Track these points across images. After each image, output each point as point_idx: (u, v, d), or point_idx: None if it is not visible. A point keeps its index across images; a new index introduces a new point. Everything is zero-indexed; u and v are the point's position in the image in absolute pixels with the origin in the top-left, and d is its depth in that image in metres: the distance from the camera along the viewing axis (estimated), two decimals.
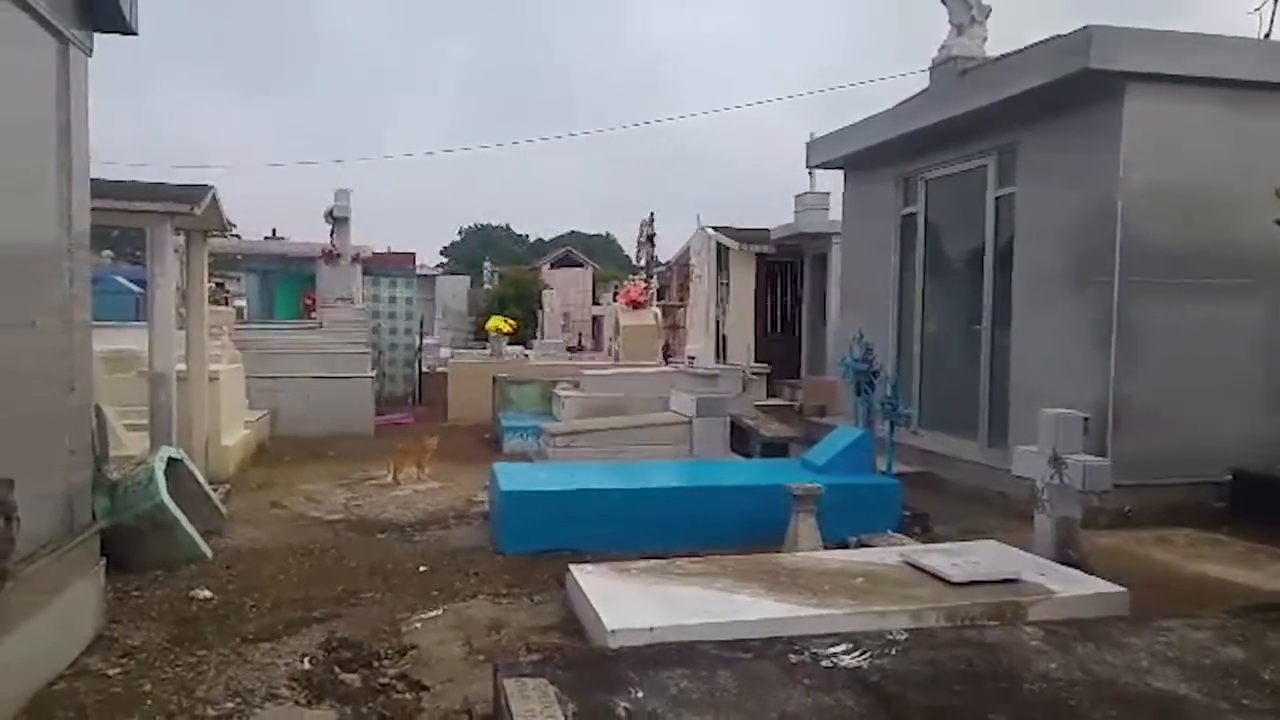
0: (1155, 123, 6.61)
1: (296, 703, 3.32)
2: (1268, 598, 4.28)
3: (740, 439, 8.86)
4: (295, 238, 16.65)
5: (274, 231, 17.87)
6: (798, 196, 15.11)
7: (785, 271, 16.11)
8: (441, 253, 54.55)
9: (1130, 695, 2.51)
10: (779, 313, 16.18)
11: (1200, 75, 6.59)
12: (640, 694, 2.62)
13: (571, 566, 4.44)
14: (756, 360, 15.06)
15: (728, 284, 16.07)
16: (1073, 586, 4.05)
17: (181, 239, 7.81)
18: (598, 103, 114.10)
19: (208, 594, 4.60)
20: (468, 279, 28.25)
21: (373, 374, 11.69)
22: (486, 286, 27.53)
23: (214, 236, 8.53)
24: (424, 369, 14.79)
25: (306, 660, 3.73)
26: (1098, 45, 6.41)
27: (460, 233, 63.60)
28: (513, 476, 6.11)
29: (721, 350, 16.07)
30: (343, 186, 13.16)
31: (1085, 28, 6.50)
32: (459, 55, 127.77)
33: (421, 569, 5.18)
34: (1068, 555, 4.69)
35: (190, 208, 6.61)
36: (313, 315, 12.96)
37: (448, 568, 5.20)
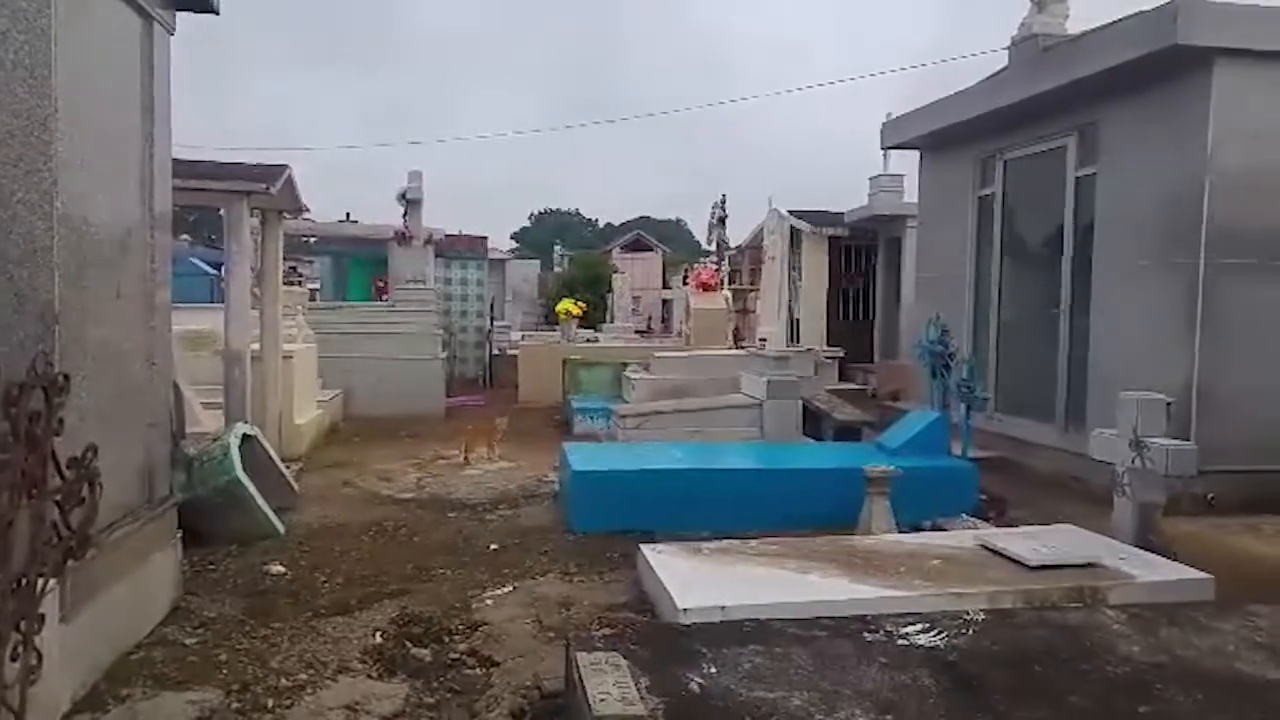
0: (1245, 99, 6.33)
1: (369, 676, 3.40)
2: None
3: (812, 422, 8.80)
4: (368, 220, 17.02)
5: (348, 215, 18.30)
6: (872, 179, 14.87)
7: (859, 255, 15.90)
8: (512, 237, 55.24)
9: (1216, 679, 2.47)
10: (852, 296, 15.99)
11: None
12: (714, 669, 2.67)
13: (642, 546, 4.49)
14: (829, 344, 14.90)
15: (799, 268, 15.93)
16: (1154, 572, 3.96)
17: (257, 220, 8.01)
18: (671, 87, 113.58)
19: (281, 569, 4.73)
20: (538, 263, 28.57)
21: (444, 355, 11.92)
22: (557, 270, 27.79)
23: (288, 218, 8.68)
24: (494, 351, 15.05)
25: (378, 635, 3.82)
26: (1185, 19, 6.16)
27: (530, 218, 64.25)
28: (583, 456, 6.20)
29: (794, 334, 15.96)
30: (415, 168, 13.40)
31: (1173, 1, 6.26)
32: (534, 40, 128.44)
33: (492, 547, 5.29)
34: (1149, 540, 4.57)
35: (266, 187, 6.80)
36: (385, 297, 13.29)
37: (518, 546, 5.29)
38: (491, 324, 15.30)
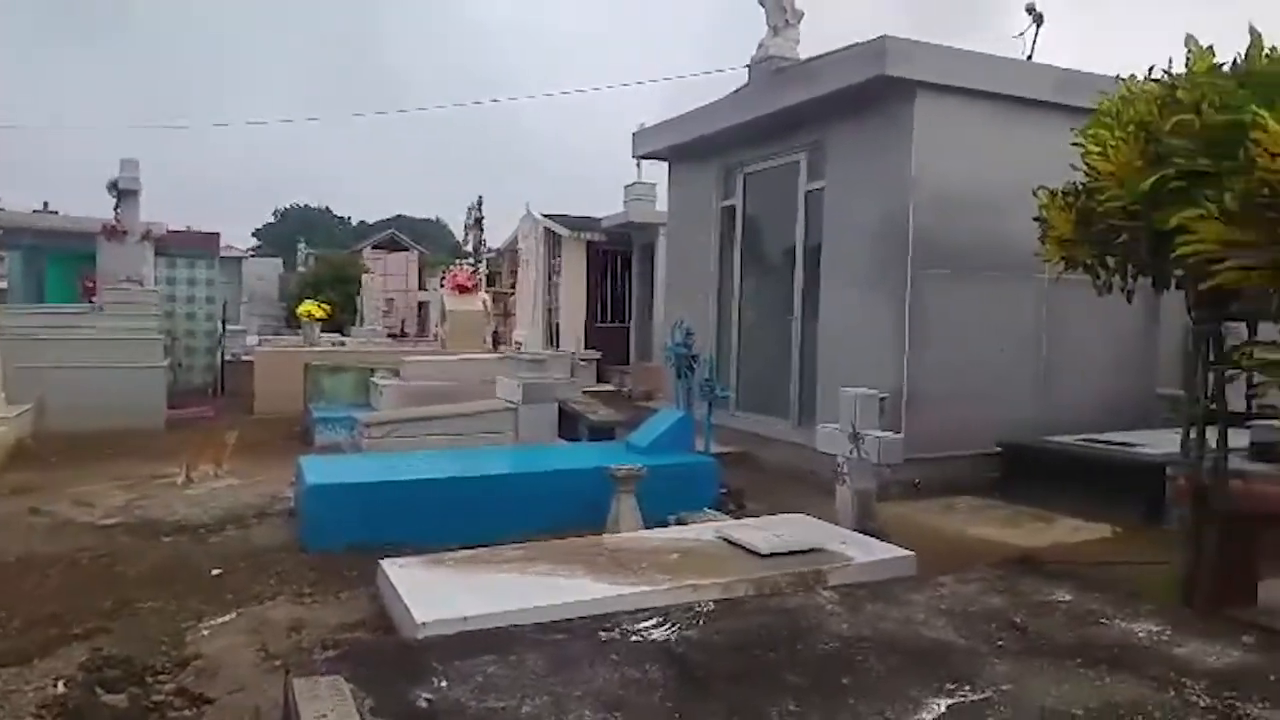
0: (942, 129, 7.15)
1: None
2: (1025, 552, 4.79)
3: (568, 424, 8.85)
4: (74, 211, 15.01)
5: (45, 205, 16.03)
6: (626, 186, 15.30)
7: (616, 260, 16.29)
8: (254, 234, 51.25)
9: (908, 646, 2.71)
10: (609, 300, 16.35)
11: (977, 88, 7.19)
12: (444, 683, 2.55)
13: (382, 561, 4.26)
14: (587, 347, 15.14)
15: (559, 271, 16.04)
16: (868, 553, 4.32)
17: None
18: (430, 86, 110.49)
19: None
20: (279, 262, 26.65)
21: (165, 363, 10.76)
22: (300, 270, 26.07)
23: None
24: (227, 358, 13.82)
25: (61, 683, 3.31)
26: (892, 54, 6.86)
27: (275, 214, 59.89)
28: (320, 469, 5.80)
29: (553, 337, 16.04)
30: (130, 156, 11.98)
31: (881, 37, 6.95)
32: (286, 30, 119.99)
33: (214, 572, 4.80)
34: (866, 525, 5.00)
35: None
36: (94, 299, 11.78)
37: (245, 569, 4.84)
38: (224, 328, 14.02)
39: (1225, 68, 3.30)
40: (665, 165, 10.93)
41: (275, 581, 4.63)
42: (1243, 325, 3.62)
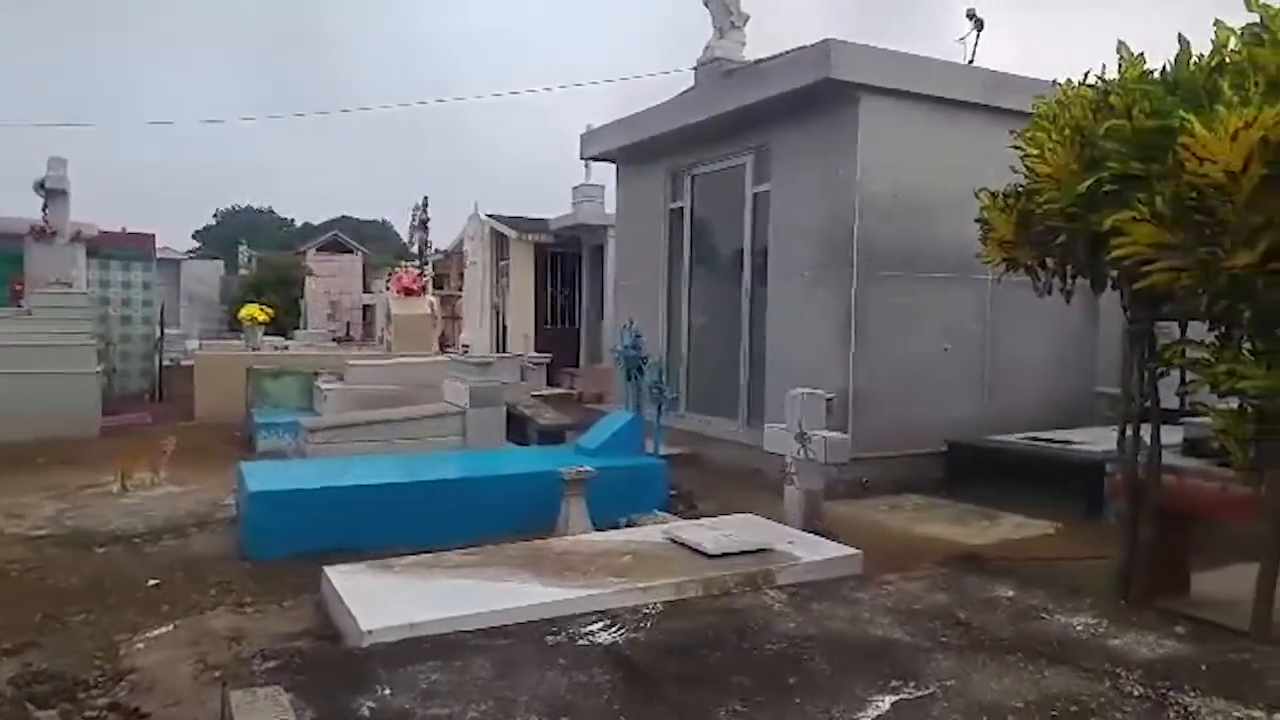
0: (886, 132, 7.26)
1: None
2: (970, 550, 4.87)
3: (517, 428, 8.78)
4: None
5: None
6: (575, 188, 15.26)
7: (565, 262, 16.23)
8: (194, 236, 50.00)
9: (854, 644, 2.73)
10: (559, 302, 16.28)
11: (920, 91, 7.32)
12: (388, 691, 2.49)
13: (326, 568, 4.17)
14: (536, 349, 15.06)
15: (507, 273, 15.93)
16: (816, 552, 4.35)
17: None
18: (377, 87, 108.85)
19: None
20: (220, 263, 26.01)
21: (98, 368, 10.41)
22: (242, 272, 25.49)
23: None
24: (166, 362, 13.43)
25: None
26: (837, 57, 6.95)
27: (216, 215, 58.50)
28: (263, 475, 5.66)
29: (501, 339, 15.92)
30: (57, 155, 11.56)
31: (826, 40, 7.03)
32: (227, 24, 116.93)
33: (150, 583, 4.65)
34: (813, 524, 5.05)
35: None
36: (21, 303, 11.35)
37: (183, 579, 4.71)
38: (162, 332, 13.63)
39: (1155, 74, 3.39)
40: (614, 167, 10.92)
41: (215, 591, 4.52)
42: (1175, 325, 3.73)
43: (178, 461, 7.47)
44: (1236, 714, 2.28)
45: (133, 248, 13.72)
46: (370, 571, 4.13)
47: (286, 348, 13.68)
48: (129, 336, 13.24)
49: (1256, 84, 2.83)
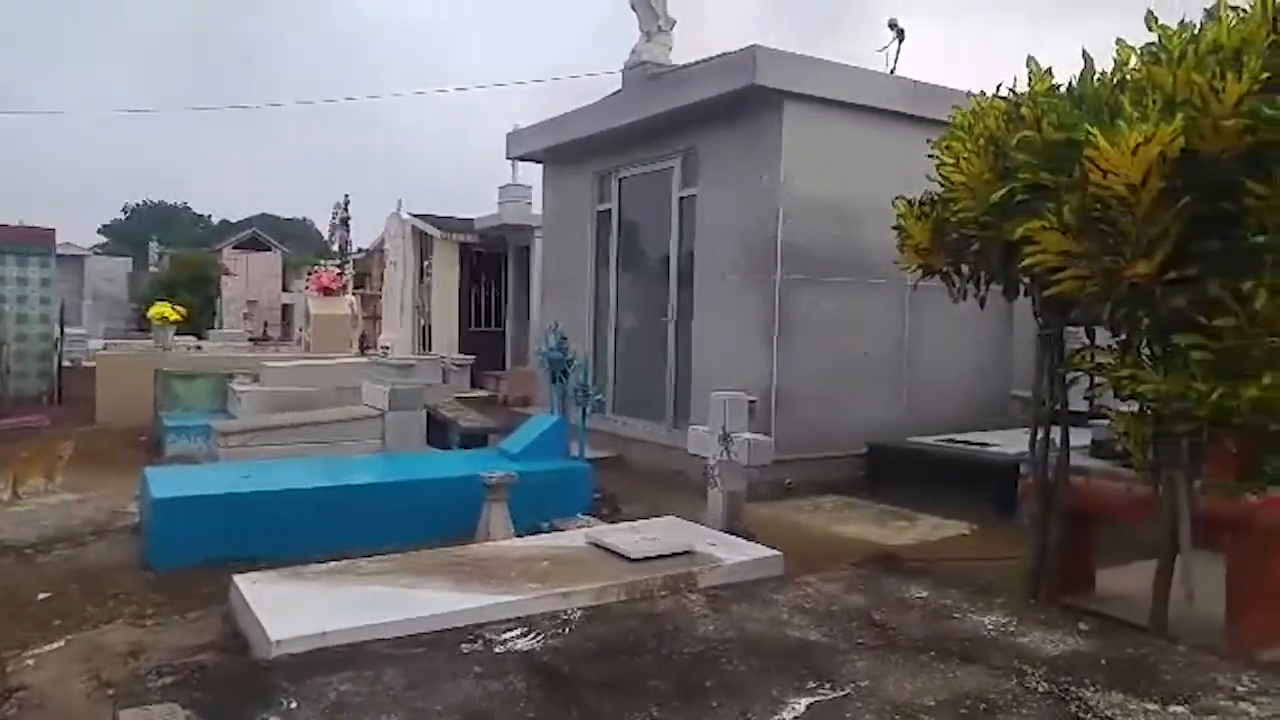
0: (808, 137, 7.37)
1: None
2: (887, 550, 4.96)
3: (439, 431, 8.62)
4: None
5: None
6: (501, 188, 15.08)
7: (490, 262, 16.03)
8: (102, 231, 47.88)
9: (772, 646, 2.74)
10: (485, 303, 16.07)
11: (844, 100, 7.46)
12: (294, 704, 2.40)
13: (235, 576, 4.01)
14: (461, 351, 14.84)
15: (430, 273, 15.66)
16: (737, 554, 4.37)
17: None
18: (301, 82, 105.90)
19: None
20: (129, 261, 24.92)
21: None
22: (153, 269, 24.48)
23: None
24: (66, 363, 12.79)
25: None
26: (762, 63, 7.02)
27: (125, 210, 56.09)
28: (168, 481, 5.42)
29: (424, 341, 15.63)
30: None
31: (752, 46, 7.10)
32: (137, 14, 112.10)
33: (41, 596, 4.40)
34: (735, 526, 5.07)
35: None
36: None
37: (79, 592, 4.47)
38: (62, 331, 12.97)
39: (1063, 89, 3.51)
40: (541, 167, 10.83)
41: (113, 604, 4.31)
42: (1083, 330, 3.86)
43: (77, 467, 7.12)
44: (1132, 706, 2.36)
45: (30, 243, 13.01)
46: (281, 580, 3.99)
47: (199, 348, 13.19)
48: (25, 336, 12.55)
49: (1154, 101, 2.94)
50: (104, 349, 13.06)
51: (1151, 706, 2.36)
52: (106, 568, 4.89)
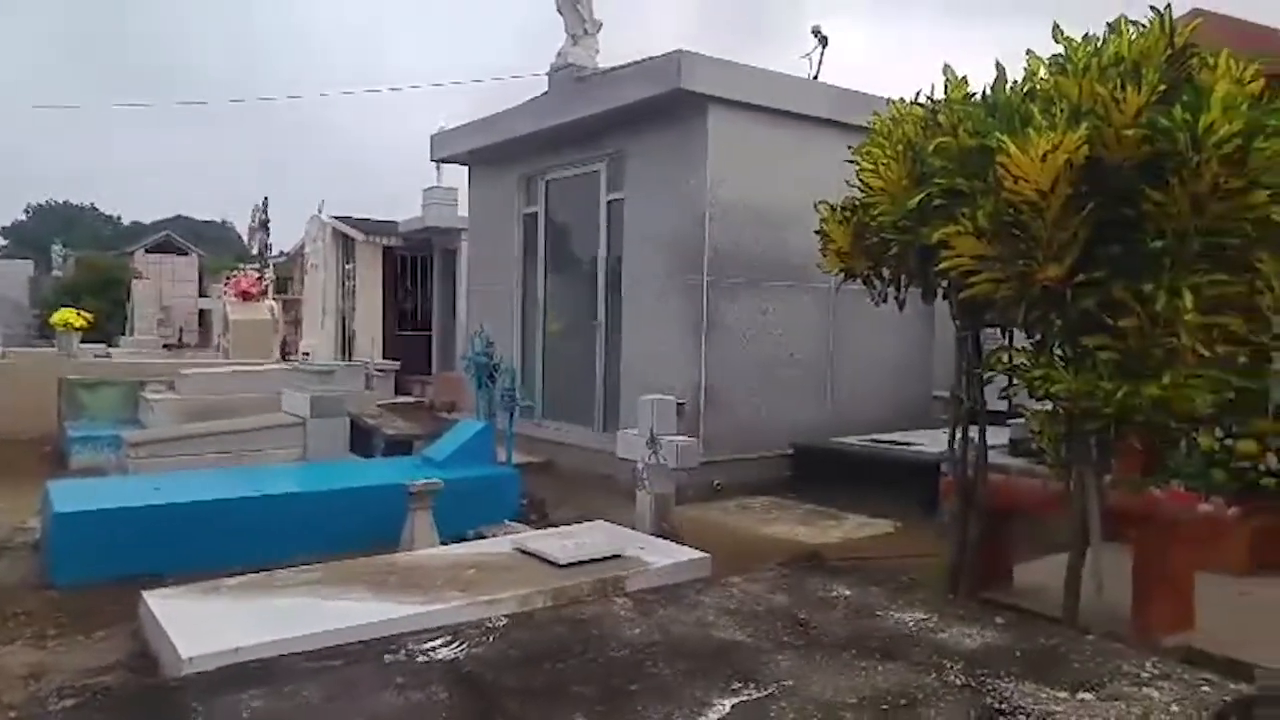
0: (733, 142, 7.45)
1: None
2: (813, 549, 5.02)
3: (362, 439, 8.43)
4: None
5: None
6: (426, 190, 14.83)
7: (416, 266, 15.76)
8: (1, 232, 45.55)
9: (697, 648, 2.75)
10: (410, 308, 15.79)
11: (769, 105, 7.56)
12: None
13: (145, 592, 3.84)
14: (386, 356, 14.55)
15: (353, 277, 15.32)
16: (665, 556, 4.37)
17: None
18: (224, 80, 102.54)
19: None
20: (30, 264, 23.71)
21: None
22: (57, 273, 23.35)
23: None
24: None
25: None
26: (686, 68, 7.07)
27: (27, 210, 53.43)
28: (71, 494, 5.17)
29: (347, 346, 15.28)
30: None
31: (677, 51, 7.14)
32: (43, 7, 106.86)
33: None
34: (664, 528, 5.08)
35: None
36: None
37: None
38: None
39: (977, 96, 3.61)
40: (466, 170, 10.70)
41: (12, 624, 4.10)
42: (1000, 331, 3.97)
43: None
44: (1044, 695, 2.43)
45: None
46: (194, 595, 3.84)
47: (109, 355, 12.62)
48: None
49: (1062, 110, 3.05)
50: (2, 356, 12.37)
51: (1061, 694, 2.44)
52: (6, 586, 4.65)
